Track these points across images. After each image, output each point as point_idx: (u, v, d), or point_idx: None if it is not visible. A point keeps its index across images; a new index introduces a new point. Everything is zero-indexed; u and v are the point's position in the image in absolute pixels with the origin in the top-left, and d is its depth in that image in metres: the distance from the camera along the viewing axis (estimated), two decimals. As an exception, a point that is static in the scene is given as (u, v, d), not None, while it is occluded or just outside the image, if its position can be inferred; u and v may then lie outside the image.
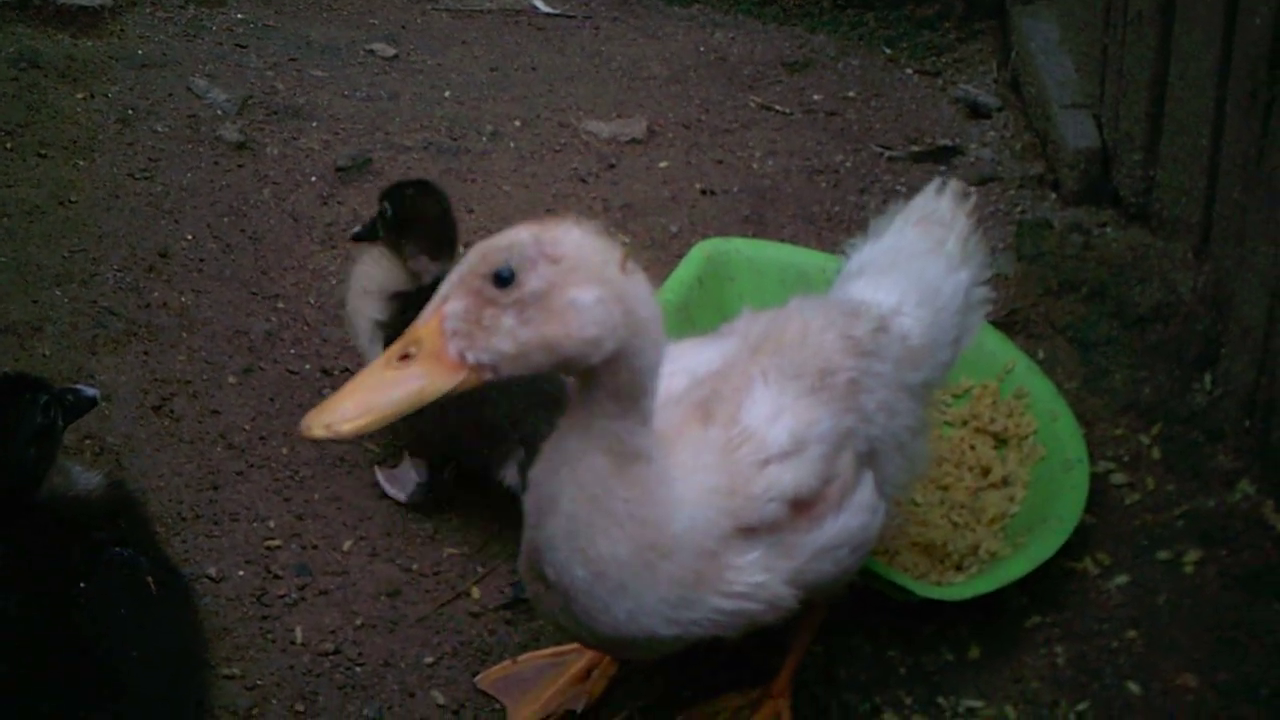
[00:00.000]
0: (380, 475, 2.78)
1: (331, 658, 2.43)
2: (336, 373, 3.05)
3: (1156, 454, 2.74)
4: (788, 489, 1.93)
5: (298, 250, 3.40)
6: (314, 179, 3.65)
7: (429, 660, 2.44)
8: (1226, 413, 2.73)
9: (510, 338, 1.65)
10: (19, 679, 2.02)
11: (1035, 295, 3.16)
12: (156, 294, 3.18)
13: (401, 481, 2.76)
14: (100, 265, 3.22)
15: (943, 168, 3.77)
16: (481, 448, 2.57)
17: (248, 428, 2.88)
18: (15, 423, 2.23)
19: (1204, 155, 2.92)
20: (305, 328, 3.17)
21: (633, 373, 1.76)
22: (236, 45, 4.26)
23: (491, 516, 2.68)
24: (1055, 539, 2.45)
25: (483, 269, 1.66)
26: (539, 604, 1.96)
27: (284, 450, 2.84)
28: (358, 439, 2.75)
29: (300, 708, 2.33)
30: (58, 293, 3.12)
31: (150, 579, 2.22)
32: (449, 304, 1.67)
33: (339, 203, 3.58)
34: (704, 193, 3.67)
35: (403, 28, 4.54)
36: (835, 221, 3.56)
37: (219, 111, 3.85)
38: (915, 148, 3.87)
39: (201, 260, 3.32)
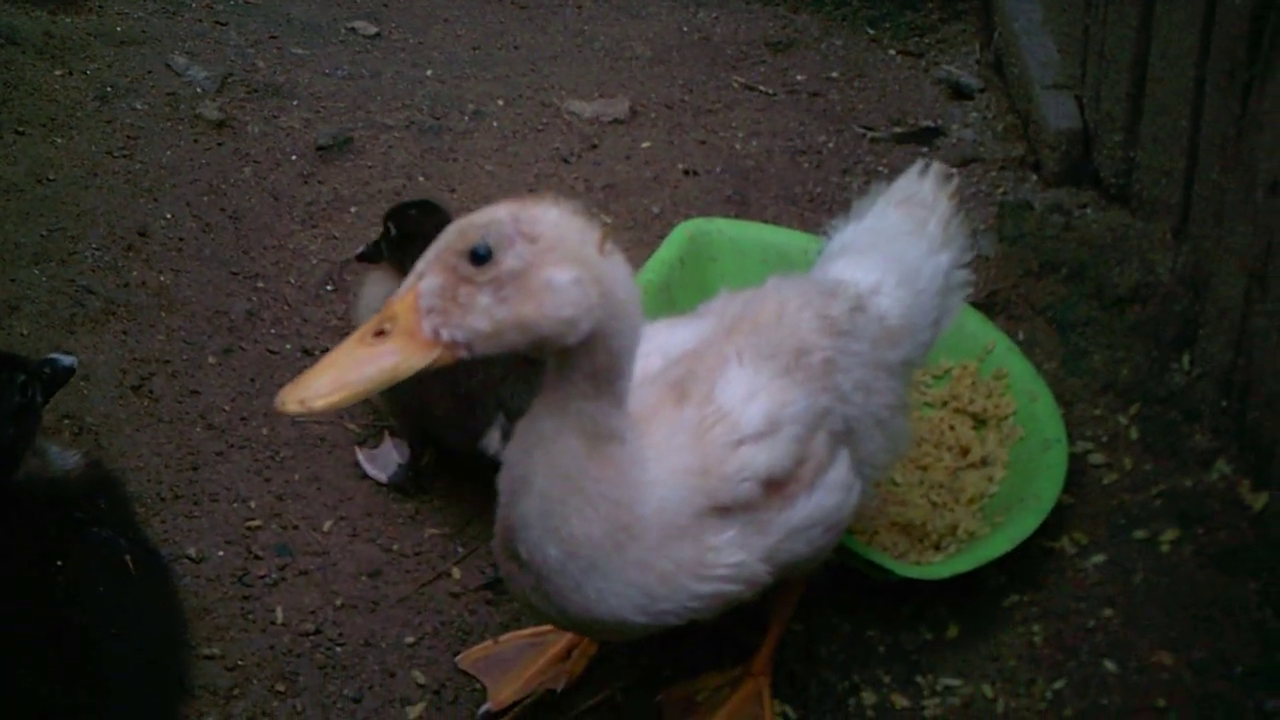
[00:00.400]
0: (361, 456, 2.78)
1: (312, 638, 2.43)
2: (317, 352, 3.04)
3: (1134, 434, 2.76)
4: (761, 469, 1.93)
5: (278, 229, 3.38)
6: (294, 158, 3.63)
7: (410, 640, 2.44)
8: (1204, 393, 2.75)
9: (486, 316, 1.64)
10: (-3, 659, 2.02)
11: (1016, 276, 3.17)
12: (135, 273, 3.16)
13: (382, 462, 2.76)
14: (78, 244, 3.20)
15: (925, 149, 3.78)
16: (461, 418, 2.56)
17: (228, 408, 2.87)
18: (-8, 403, 2.22)
19: (1183, 136, 2.92)
20: (285, 307, 3.16)
21: (609, 354, 1.75)
22: (216, 22, 4.23)
23: (472, 497, 2.69)
24: (1033, 519, 2.46)
25: (459, 246, 1.65)
26: (511, 583, 1.96)
27: (264, 430, 2.83)
28: (332, 414, 2.75)
29: (281, 688, 2.34)
30: (35, 271, 3.10)
31: (129, 559, 2.22)
32: (424, 280, 1.66)
33: (319, 182, 3.56)
34: (686, 173, 3.66)
35: (384, 6, 4.51)
36: (817, 202, 3.56)
37: (199, 89, 3.83)
38: (898, 129, 3.87)
39: (181, 239, 3.30)
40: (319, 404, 1.58)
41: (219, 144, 3.64)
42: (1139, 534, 2.56)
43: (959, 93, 4.01)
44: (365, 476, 2.75)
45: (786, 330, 2.07)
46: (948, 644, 2.43)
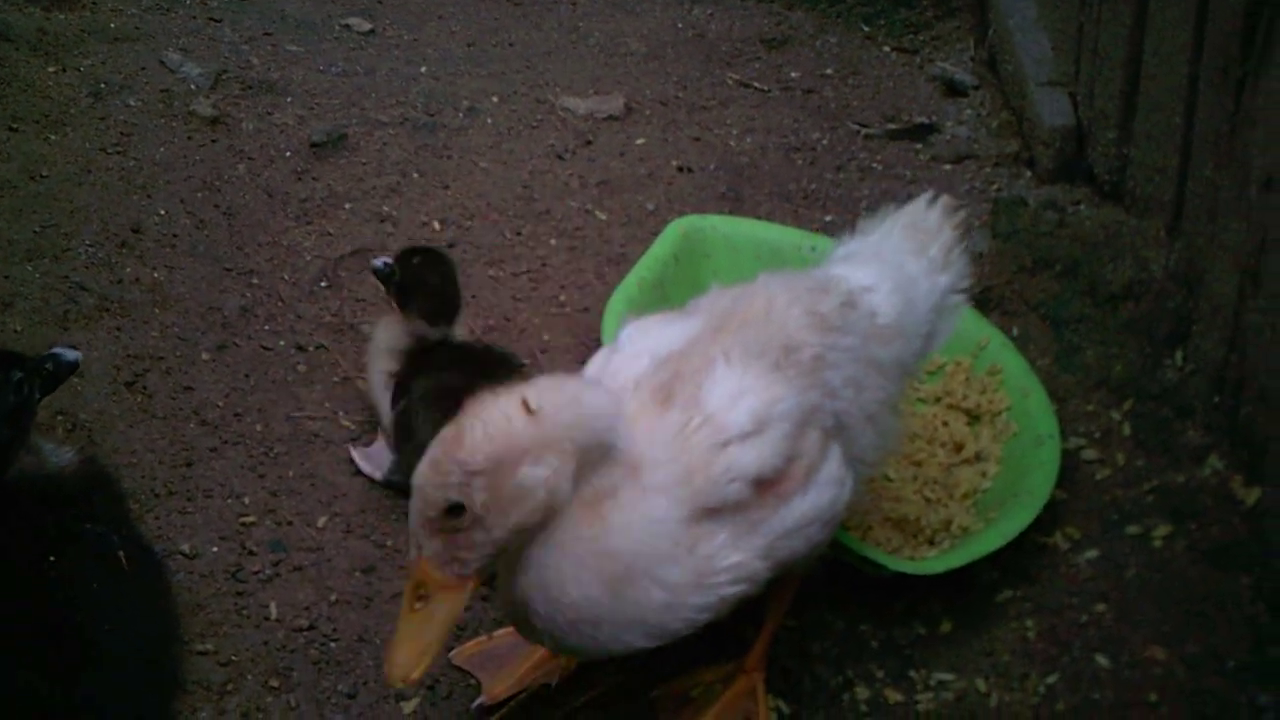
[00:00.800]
0: (355, 453, 2.78)
1: (306, 633, 2.43)
2: (311, 349, 3.04)
3: (1127, 430, 2.76)
4: (749, 468, 1.94)
5: (272, 226, 3.38)
6: (288, 154, 3.63)
7: (404, 636, 2.44)
8: (1197, 389, 2.75)
9: (488, 544, 1.82)
10: (-9, 655, 2.02)
11: (1009, 272, 3.17)
12: (129, 269, 3.16)
13: (376, 459, 2.76)
14: (72, 240, 3.20)
15: (919, 145, 3.78)
16: None
17: (221, 404, 2.87)
18: (-14, 401, 2.21)
19: (1177, 133, 2.93)
20: (279, 304, 3.15)
21: (599, 449, 1.86)
22: (210, 19, 4.22)
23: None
24: (1026, 514, 2.47)
25: (432, 511, 1.79)
26: (525, 633, 2.03)
27: (258, 427, 2.83)
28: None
29: (275, 683, 2.34)
30: (29, 268, 3.09)
31: (123, 555, 2.21)
32: (425, 548, 1.83)
33: (314, 178, 3.56)
34: (681, 170, 3.66)
35: (379, 2, 4.51)
36: (812, 199, 3.56)
37: (192, 86, 3.82)
38: (892, 125, 3.87)
39: (175, 236, 3.30)
40: (416, 675, 1.84)
41: (213, 140, 3.64)
42: (1132, 529, 2.56)
43: (953, 90, 4.01)
44: (359, 473, 2.75)
45: (775, 327, 2.07)
46: (941, 639, 2.44)
